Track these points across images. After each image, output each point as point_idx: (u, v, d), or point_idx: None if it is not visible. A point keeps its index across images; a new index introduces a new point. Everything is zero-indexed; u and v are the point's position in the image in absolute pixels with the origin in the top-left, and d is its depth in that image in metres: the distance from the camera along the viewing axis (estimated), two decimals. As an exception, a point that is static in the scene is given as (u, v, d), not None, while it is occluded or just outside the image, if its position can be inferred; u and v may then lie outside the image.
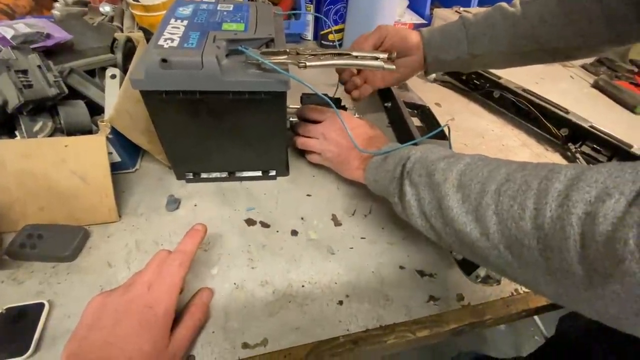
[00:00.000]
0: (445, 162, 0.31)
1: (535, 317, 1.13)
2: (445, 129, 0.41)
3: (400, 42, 0.50)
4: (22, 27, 0.43)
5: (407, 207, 0.33)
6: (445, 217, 0.29)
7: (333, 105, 0.37)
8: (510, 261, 0.25)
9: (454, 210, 0.28)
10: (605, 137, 0.55)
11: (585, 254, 0.20)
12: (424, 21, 0.90)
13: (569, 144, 0.59)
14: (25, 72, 0.38)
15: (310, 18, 0.81)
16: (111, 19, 0.63)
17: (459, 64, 0.52)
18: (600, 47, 0.48)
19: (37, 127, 0.39)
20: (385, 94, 0.63)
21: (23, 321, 0.32)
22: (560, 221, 0.21)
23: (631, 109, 0.74)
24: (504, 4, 0.49)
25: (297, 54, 0.36)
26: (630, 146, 0.53)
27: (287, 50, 0.36)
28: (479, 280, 0.35)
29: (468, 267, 0.37)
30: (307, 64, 0.34)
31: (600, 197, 0.20)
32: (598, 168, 0.21)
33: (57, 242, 0.37)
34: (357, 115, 0.57)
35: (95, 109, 0.45)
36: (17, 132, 0.41)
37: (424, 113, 0.61)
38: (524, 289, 0.39)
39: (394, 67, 0.34)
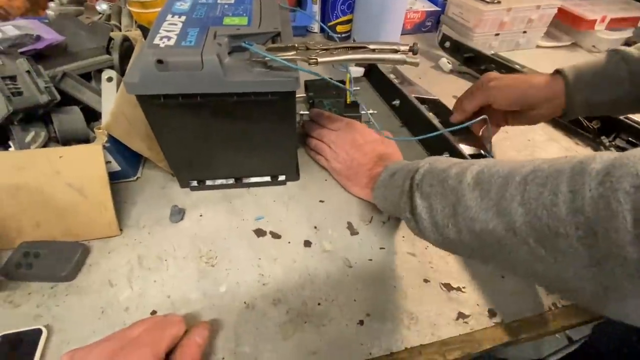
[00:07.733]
0: (457, 167, 0.29)
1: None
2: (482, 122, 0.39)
3: (520, 99, 0.42)
4: (10, 29, 0.40)
5: (419, 221, 0.31)
6: (462, 223, 0.26)
7: (350, 90, 0.33)
8: (544, 256, 0.22)
9: (473, 210, 0.25)
10: (643, 128, 0.51)
11: (639, 232, 0.16)
12: (436, 8, 0.84)
13: (602, 137, 0.54)
14: (13, 78, 0.35)
15: (316, 10, 0.77)
16: (108, 18, 0.60)
17: (610, 107, 0.42)
18: None
19: (29, 138, 0.37)
20: (389, 92, 0.59)
21: (20, 349, 0.30)
22: (604, 199, 0.18)
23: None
24: None
25: (307, 48, 0.32)
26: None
27: (296, 45, 0.32)
28: None
29: None
30: (319, 59, 0.30)
31: None
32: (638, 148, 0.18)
33: (55, 260, 0.34)
34: (371, 112, 0.53)
35: (93, 115, 0.42)
36: (10, 143, 0.38)
37: (436, 106, 0.57)
38: (562, 302, 0.35)
39: (417, 60, 0.30)
